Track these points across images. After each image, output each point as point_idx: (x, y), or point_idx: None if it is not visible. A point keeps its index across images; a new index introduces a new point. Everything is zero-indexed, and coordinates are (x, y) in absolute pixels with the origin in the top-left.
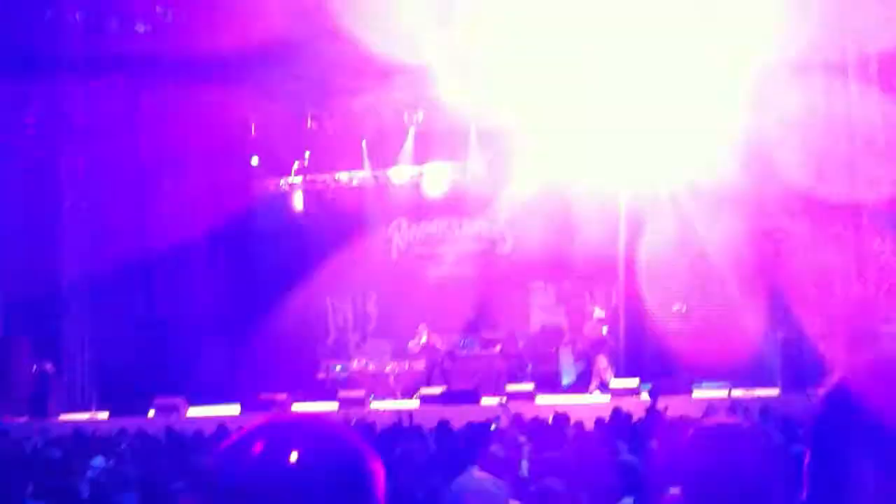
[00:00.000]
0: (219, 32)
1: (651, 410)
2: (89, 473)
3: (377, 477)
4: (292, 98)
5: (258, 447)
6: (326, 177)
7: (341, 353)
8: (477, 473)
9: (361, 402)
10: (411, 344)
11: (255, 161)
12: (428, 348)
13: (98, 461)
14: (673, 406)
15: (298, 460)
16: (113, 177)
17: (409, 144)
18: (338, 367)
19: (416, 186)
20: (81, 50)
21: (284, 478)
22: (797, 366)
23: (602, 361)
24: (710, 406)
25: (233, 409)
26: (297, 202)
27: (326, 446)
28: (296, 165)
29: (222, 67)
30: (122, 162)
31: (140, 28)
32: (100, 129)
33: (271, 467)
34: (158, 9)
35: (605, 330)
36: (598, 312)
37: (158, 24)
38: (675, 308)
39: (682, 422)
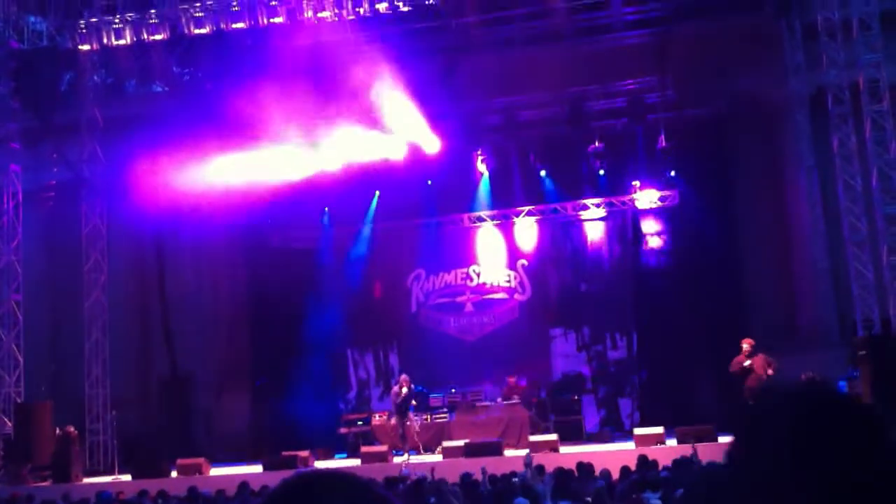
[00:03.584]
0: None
1: (681, 459)
2: None
3: None
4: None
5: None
6: (346, 228)
7: (363, 407)
8: None
9: (384, 457)
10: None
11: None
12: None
13: None
14: (700, 452)
15: None
16: (133, 235)
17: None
18: (359, 423)
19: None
20: (101, 110)
21: None
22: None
23: None
24: None
25: (255, 468)
26: (317, 254)
27: (355, 500)
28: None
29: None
30: (142, 220)
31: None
32: (120, 188)
33: None
34: (176, 69)
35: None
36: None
37: (177, 84)
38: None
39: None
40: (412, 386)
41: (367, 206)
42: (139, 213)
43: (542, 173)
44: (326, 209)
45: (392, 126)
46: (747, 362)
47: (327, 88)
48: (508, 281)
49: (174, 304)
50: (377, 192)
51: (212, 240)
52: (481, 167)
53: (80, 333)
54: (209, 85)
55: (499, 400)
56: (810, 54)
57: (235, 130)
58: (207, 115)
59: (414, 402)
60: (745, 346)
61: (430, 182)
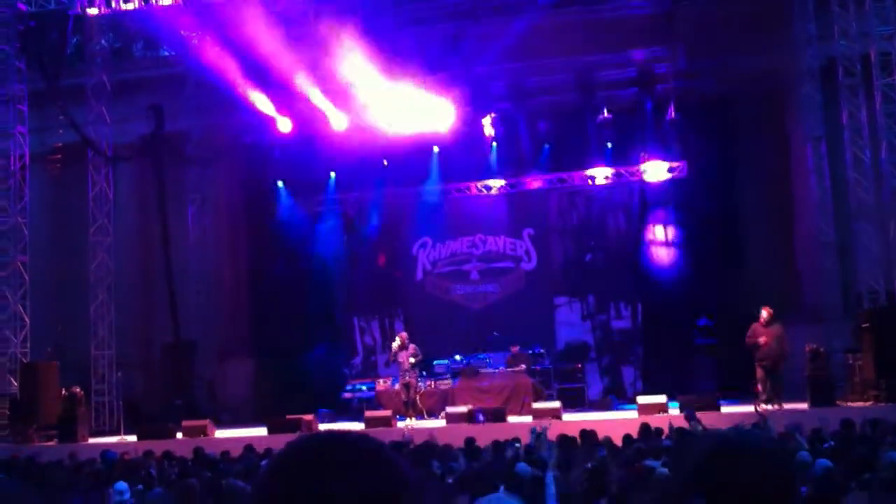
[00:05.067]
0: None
1: (682, 429)
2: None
3: (414, 494)
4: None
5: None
6: (353, 197)
7: (368, 372)
8: (504, 495)
9: (388, 422)
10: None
11: (280, 184)
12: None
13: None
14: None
15: (335, 475)
16: (140, 198)
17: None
18: (363, 387)
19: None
20: (108, 73)
21: (321, 494)
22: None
23: None
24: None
25: (259, 431)
26: (323, 223)
27: (364, 461)
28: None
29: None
30: (148, 183)
31: (165, 52)
32: (126, 151)
33: (309, 483)
34: (183, 32)
35: None
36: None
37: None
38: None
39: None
40: (414, 348)
41: (374, 173)
42: (146, 173)
43: (549, 143)
44: (333, 174)
45: (398, 95)
46: (762, 338)
47: (328, 51)
48: (514, 249)
49: (178, 269)
50: (385, 161)
51: (219, 203)
52: (489, 134)
53: (85, 295)
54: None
55: (502, 367)
56: (822, 26)
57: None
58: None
59: (412, 360)
60: (764, 313)
61: (385, 163)
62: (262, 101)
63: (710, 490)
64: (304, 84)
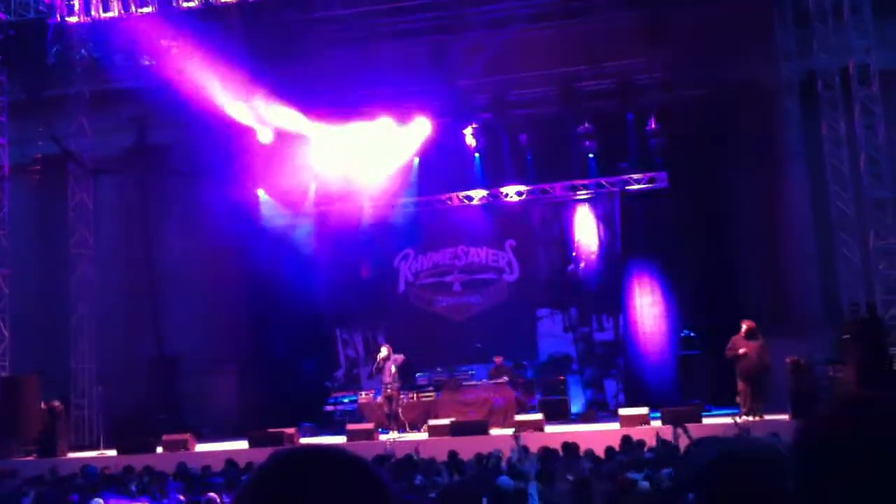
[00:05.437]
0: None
1: (666, 441)
2: None
3: None
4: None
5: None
6: (334, 208)
7: (351, 385)
8: None
9: (370, 435)
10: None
11: (261, 193)
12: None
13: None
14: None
15: (317, 489)
16: (120, 211)
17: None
18: (346, 400)
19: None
20: (88, 83)
21: None
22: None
23: None
24: (723, 432)
25: (241, 444)
26: (305, 234)
27: (346, 475)
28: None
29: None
30: (129, 196)
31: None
32: (107, 163)
33: (290, 498)
34: (164, 42)
35: None
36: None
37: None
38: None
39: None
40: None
41: (355, 185)
42: (127, 186)
43: (531, 154)
44: (314, 185)
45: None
46: (742, 350)
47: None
48: (497, 261)
49: (161, 280)
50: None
51: (200, 216)
52: (471, 145)
53: (66, 308)
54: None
55: (485, 380)
56: (801, 39)
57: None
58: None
59: (394, 369)
60: (744, 326)
61: (312, 185)
62: (241, 112)
63: (711, 496)
64: (283, 96)
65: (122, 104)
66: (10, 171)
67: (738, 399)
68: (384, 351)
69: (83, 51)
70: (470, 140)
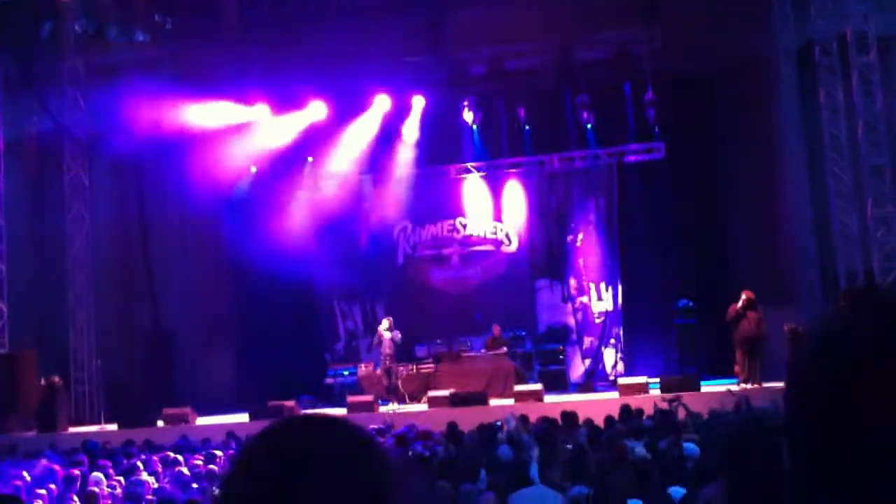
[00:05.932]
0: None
1: (664, 411)
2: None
3: (397, 477)
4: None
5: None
6: (331, 182)
7: (350, 358)
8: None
9: (370, 407)
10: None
11: (253, 169)
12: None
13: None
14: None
15: (316, 459)
16: (116, 187)
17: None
18: (345, 373)
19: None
20: (82, 59)
21: (302, 477)
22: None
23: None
24: (721, 401)
25: (241, 417)
26: (302, 207)
27: (345, 445)
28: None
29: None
30: (124, 172)
31: (140, 37)
32: (103, 139)
33: (289, 467)
34: (158, 18)
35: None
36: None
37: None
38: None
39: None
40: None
41: (350, 157)
42: (122, 162)
43: (528, 126)
44: (310, 159)
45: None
46: (740, 305)
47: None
48: (495, 233)
49: (158, 255)
50: (360, 146)
51: (196, 190)
52: (468, 118)
53: (64, 283)
54: (191, 35)
55: (483, 350)
56: (798, 6)
57: (216, 80)
58: (188, 65)
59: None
60: (743, 296)
61: (309, 159)
62: (237, 88)
63: (732, 470)
64: (277, 72)
65: (117, 79)
66: (5, 147)
67: (736, 368)
68: (385, 323)
69: (76, 26)
70: (467, 114)
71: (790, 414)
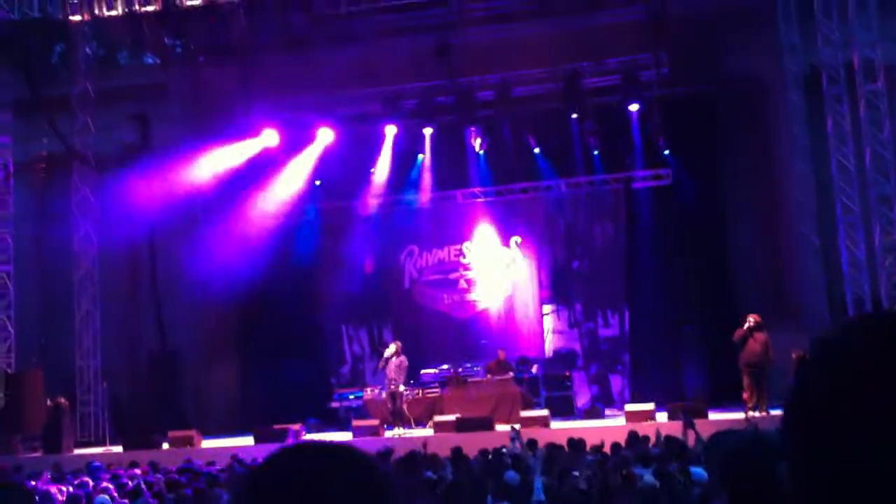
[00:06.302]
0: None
1: (670, 437)
2: None
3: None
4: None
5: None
6: (339, 205)
7: (356, 381)
8: None
9: (375, 431)
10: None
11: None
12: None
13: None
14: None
15: (321, 485)
16: (124, 207)
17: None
18: (351, 396)
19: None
20: (92, 81)
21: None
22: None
23: None
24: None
25: (246, 440)
26: (309, 230)
27: (349, 471)
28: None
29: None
30: (133, 192)
31: (149, 60)
32: (110, 160)
33: (295, 496)
34: (167, 41)
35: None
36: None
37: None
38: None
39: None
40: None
41: (359, 181)
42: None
43: (536, 150)
44: (318, 182)
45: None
46: (747, 325)
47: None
48: (501, 258)
49: (164, 277)
50: (373, 170)
51: (204, 211)
52: (475, 143)
53: (70, 305)
54: (201, 58)
55: (488, 375)
56: (805, 34)
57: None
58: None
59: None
60: (751, 320)
61: (318, 182)
62: (246, 111)
63: (734, 486)
64: (286, 95)
65: (126, 102)
66: (14, 169)
67: (743, 395)
68: (392, 347)
69: (87, 49)
70: (474, 138)
71: (789, 416)
